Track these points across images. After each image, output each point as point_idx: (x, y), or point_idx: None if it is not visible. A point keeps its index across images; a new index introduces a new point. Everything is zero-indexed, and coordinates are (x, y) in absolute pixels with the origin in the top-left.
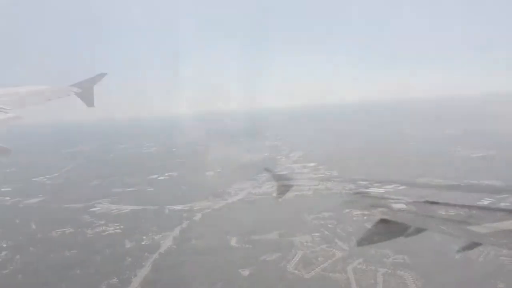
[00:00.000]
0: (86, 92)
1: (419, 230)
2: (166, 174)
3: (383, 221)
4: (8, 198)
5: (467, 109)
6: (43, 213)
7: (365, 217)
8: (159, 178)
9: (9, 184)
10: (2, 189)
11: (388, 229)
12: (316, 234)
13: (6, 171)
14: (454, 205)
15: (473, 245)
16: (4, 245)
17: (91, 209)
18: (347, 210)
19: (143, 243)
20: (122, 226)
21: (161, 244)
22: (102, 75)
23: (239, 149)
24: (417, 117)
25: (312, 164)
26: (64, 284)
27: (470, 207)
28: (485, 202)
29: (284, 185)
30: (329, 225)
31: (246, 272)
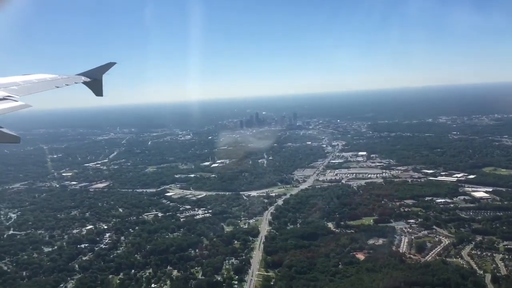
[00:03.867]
0: (95, 81)
1: None
2: (218, 161)
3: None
4: (74, 182)
5: (494, 98)
6: (120, 197)
7: (451, 205)
8: (213, 165)
9: (66, 169)
10: (64, 174)
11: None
12: (411, 220)
13: (53, 156)
14: None
15: None
16: (104, 227)
17: (166, 194)
18: (428, 198)
19: (241, 227)
20: (210, 211)
21: (259, 229)
22: (111, 64)
23: (278, 136)
24: (442, 105)
25: (362, 153)
26: (188, 264)
27: None
28: None
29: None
30: (419, 213)
31: (361, 256)
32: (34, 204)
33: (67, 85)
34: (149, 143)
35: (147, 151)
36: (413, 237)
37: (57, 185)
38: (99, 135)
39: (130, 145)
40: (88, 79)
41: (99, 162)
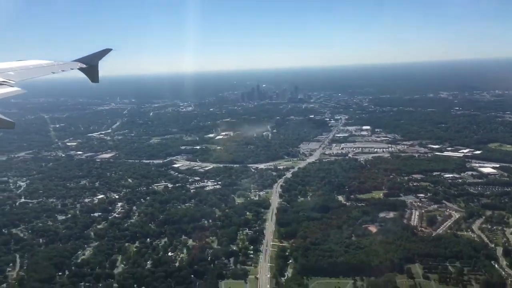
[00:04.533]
0: (91, 67)
1: None
2: (222, 133)
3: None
4: (80, 152)
5: (493, 74)
6: (128, 168)
7: (459, 180)
8: (217, 137)
9: (69, 139)
10: (68, 143)
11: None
12: (420, 195)
13: (56, 126)
14: None
15: None
16: (116, 196)
17: (173, 165)
18: (436, 173)
19: (252, 199)
20: (219, 183)
21: (270, 201)
22: (107, 51)
23: (280, 110)
24: (444, 81)
25: (366, 127)
26: (203, 233)
27: None
28: None
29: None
30: (428, 187)
31: (373, 229)
32: (42, 173)
33: (63, 71)
34: (151, 114)
35: (149, 122)
36: (423, 211)
37: (63, 155)
38: (100, 105)
39: (132, 116)
40: (84, 65)
41: (103, 132)
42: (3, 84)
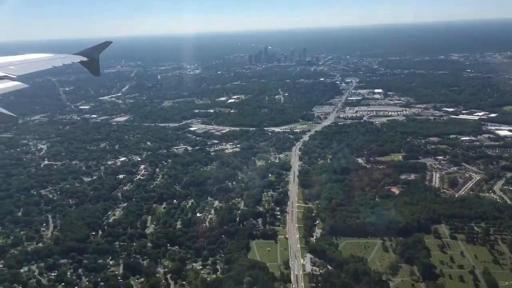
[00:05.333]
0: (92, 61)
1: None
2: (234, 97)
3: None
4: (94, 116)
5: (503, 35)
6: (145, 131)
7: (477, 143)
8: (229, 101)
9: (81, 102)
10: (81, 107)
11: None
12: (439, 157)
13: (65, 89)
14: None
15: None
16: (138, 159)
17: (189, 129)
18: (453, 136)
19: (272, 161)
20: (238, 146)
21: (291, 163)
22: (107, 43)
23: (289, 72)
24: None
25: (378, 91)
26: (228, 195)
27: None
28: None
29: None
30: (446, 150)
31: (396, 190)
32: (60, 136)
33: (64, 64)
34: (159, 77)
35: (158, 85)
36: (443, 173)
37: (78, 118)
38: (106, 67)
39: (140, 79)
40: (85, 59)
41: (113, 95)
42: (4, 78)
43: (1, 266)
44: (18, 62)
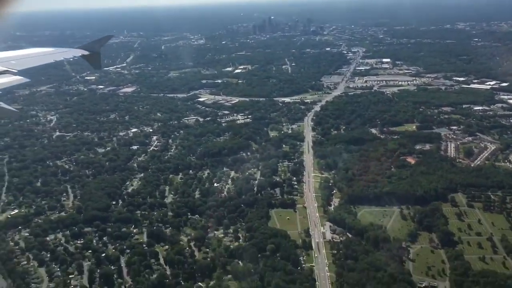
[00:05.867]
0: (93, 54)
1: None
2: (240, 67)
3: None
4: (101, 86)
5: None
6: (153, 102)
7: (490, 112)
8: (236, 71)
9: (87, 73)
10: (87, 77)
11: None
12: (453, 127)
13: (70, 59)
14: None
15: None
16: (150, 130)
17: (198, 99)
18: (465, 106)
19: (285, 132)
20: (249, 116)
21: (304, 134)
22: (108, 37)
23: (294, 42)
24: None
25: (387, 60)
26: (244, 166)
27: None
28: None
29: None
30: (460, 120)
31: (411, 160)
32: (68, 107)
33: (65, 58)
34: (163, 47)
35: (163, 56)
36: (458, 143)
37: (85, 89)
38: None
39: (144, 49)
40: (87, 52)
41: (118, 66)
42: (5, 73)
43: (27, 234)
44: (19, 57)
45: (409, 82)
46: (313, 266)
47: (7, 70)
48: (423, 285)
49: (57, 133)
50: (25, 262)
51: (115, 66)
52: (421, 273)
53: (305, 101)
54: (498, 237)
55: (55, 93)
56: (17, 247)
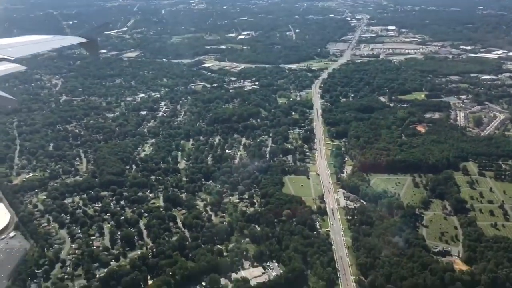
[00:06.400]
0: (90, 42)
1: None
2: (244, 33)
3: None
4: (104, 51)
5: None
6: (158, 67)
7: (498, 82)
8: (239, 37)
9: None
10: None
11: None
12: (462, 96)
13: (69, 23)
14: None
15: None
16: (157, 95)
17: (203, 65)
18: (473, 75)
19: (294, 99)
20: (257, 83)
21: (312, 101)
22: (106, 25)
23: (296, 8)
24: None
25: (392, 28)
26: (254, 132)
27: None
28: None
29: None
30: (468, 89)
31: (421, 129)
32: (73, 71)
33: (63, 46)
34: (163, 11)
35: (164, 20)
36: (467, 112)
37: (87, 53)
38: (107, 1)
39: (144, 14)
40: (84, 40)
41: (119, 30)
42: (2, 60)
43: (45, 197)
44: (16, 44)
45: (415, 51)
46: (329, 231)
47: (4, 58)
48: (437, 249)
49: (64, 98)
50: (46, 224)
51: (116, 30)
52: (434, 238)
53: (312, 68)
54: (510, 205)
55: (58, 57)
56: (36, 209)
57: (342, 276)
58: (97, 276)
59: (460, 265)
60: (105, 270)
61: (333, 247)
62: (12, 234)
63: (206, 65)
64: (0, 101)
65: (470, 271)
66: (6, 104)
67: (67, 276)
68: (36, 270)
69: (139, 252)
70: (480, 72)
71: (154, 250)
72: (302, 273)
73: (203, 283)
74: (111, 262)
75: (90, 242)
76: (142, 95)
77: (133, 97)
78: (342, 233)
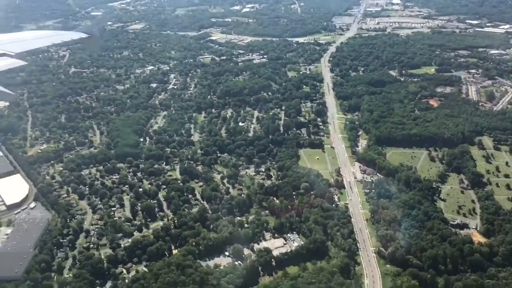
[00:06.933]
0: (91, 37)
1: None
2: (248, 5)
3: None
4: (109, 23)
5: None
6: (165, 40)
7: (507, 56)
8: (244, 10)
9: (91, 8)
10: (92, 13)
11: None
12: (472, 70)
13: None
14: None
15: None
16: (166, 68)
17: (210, 38)
18: (481, 49)
19: (304, 72)
20: (265, 56)
21: (322, 74)
22: (106, 20)
23: None
24: None
25: (397, 1)
26: (267, 105)
27: None
28: None
29: None
30: (478, 63)
31: (434, 103)
32: (80, 42)
33: (64, 41)
34: None
35: None
36: (479, 86)
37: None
38: None
39: None
40: (85, 35)
41: (123, 2)
42: (3, 56)
43: (61, 168)
44: (17, 39)
45: (422, 25)
46: (347, 204)
47: (5, 53)
48: (456, 222)
49: (73, 69)
50: (65, 195)
51: (119, 2)
52: (452, 211)
53: (319, 42)
54: None
55: (63, 29)
56: (54, 180)
57: (362, 248)
58: (122, 245)
59: (478, 238)
60: (129, 240)
61: (352, 220)
62: (32, 205)
63: (213, 38)
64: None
65: (488, 243)
66: (5, 99)
67: (92, 245)
68: (61, 240)
69: (160, 223)
70: (488, 47)
71: (175, 221)
72: (323, 244)
73: (226, 253)
74: (134, 233)
75: (112, 213)
76: (151, 67)
77: (142, 69)
78: (360, 206)
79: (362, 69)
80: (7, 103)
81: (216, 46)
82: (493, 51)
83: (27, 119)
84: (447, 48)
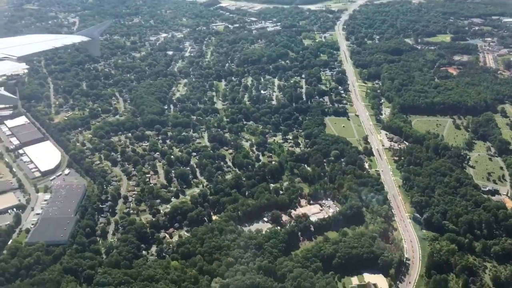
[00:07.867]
0: (92, 40)
1: None
2: None
3: None
4: None
5: None
6: (175, 6)
7: None
8: None
9: None
10: None
11: None
12: (487, 39)
13: None
14: None
15: None
16: (180, 35)
17: (221, 5)
18: (495, 17)
19: (319, 40)
20: (278, 24)
21: (338, 42)
22: (107, 23)
23: None
24: None
25: None
26: (286, 73)
27: None
28: None
29: None
30: (493, 31)
31: (453, 71)
32: (87, 9)
33: (65, 44)
34: None
35: None
36: (496, 55)
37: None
38: None
39: None
40: (86, 39)
41: None
42: (4, 60)
43: (91, 136)
44: (19, 43)
45: None
46: (378, 171)
47: (7, 57)
48: (487, 188)
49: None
50: (98, 162)
51: None
52: (482, 178)
53: (332, 9)
54: None
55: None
56: (85, 147)
57: (397, 214)
58: (162, 211)
59: (510, 204)
60: (168, 206)
61: (385, 186)
62: (66, 171)
63: (223, 5)
64: (1, 99)
65: None
66: (6, 103)
67: (132, 211)
68: (100, 206)
69: (196, 189)
70: (501, 15)
71: (211, 188)
72: (359, 210)
73: (265, 219)
74: (172, 199)
75: (147, 180)
76: (164, 34)
77: (156, 36)
78: (391, 173)
79: (378, 37)
80: (25, 69)
81: (227, 13)
82: (506, 19)
83: (48, 86)
84: (460, 16)
